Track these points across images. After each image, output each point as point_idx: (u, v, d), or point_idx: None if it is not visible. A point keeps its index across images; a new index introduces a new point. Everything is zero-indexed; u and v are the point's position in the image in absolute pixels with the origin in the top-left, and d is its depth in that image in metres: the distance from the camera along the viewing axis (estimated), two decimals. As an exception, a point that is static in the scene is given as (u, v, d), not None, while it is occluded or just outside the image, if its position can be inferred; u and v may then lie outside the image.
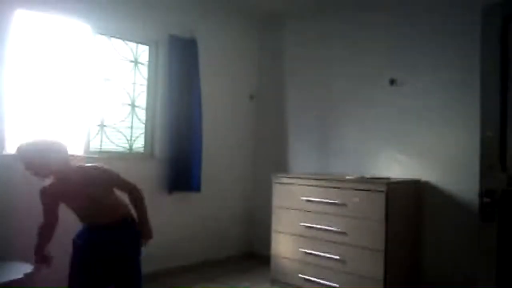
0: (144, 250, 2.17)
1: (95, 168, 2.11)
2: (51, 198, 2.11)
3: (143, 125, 3.65)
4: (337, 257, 2.92)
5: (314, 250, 3.07)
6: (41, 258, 2.14)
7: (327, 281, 2.97)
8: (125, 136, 3.54)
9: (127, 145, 3.56)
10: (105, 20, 3.29)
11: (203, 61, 3.82)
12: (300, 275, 3.14)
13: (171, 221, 3.61)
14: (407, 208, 3.01)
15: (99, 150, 3.35)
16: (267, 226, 3.48)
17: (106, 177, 2.10)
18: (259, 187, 4.22)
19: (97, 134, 3.36)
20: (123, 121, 3.52)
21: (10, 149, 2.85)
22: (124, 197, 2.19)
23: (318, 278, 3.02)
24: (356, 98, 3.57)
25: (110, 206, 2.10)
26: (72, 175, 2.07)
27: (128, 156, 3.55)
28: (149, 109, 3.66)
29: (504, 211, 1.94)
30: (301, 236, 3.17)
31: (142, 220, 2.14)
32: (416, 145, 3.19)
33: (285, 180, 3.37)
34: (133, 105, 3.59)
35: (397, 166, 3.28)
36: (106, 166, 2.14)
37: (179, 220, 3.71)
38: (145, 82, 3.65)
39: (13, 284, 2.20)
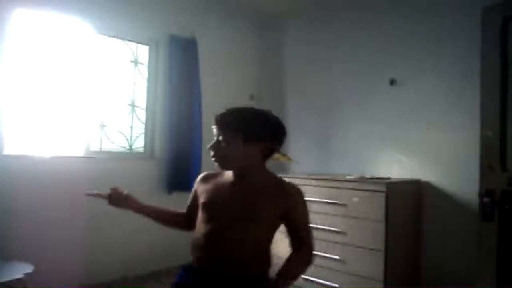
0: None
1: (293, 187, 1.44)
2: (196, 192, 1.53)
3: (143, 125, 3.65)
4: (337, 257, 2.92)
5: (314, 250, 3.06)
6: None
7: (327, 281, 2.97)
8: (125, 136, 3.54)
9: (127, 145, 3.56)
10: (105, 20, 3.29)
11: (203, 61, 3.82)
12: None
13: (171, 221, 3.61)
14: (407, 208, 3.01)
15: (99, 150, 3.35)
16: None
17: (294, 214, 1.41)
18: (259, 187, 4.21)
19: (97, 134, 3.36)
20: (123, 121, 3.52)
21: (10, 149, 2.86)
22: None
23: (318, 278, 3.01)
24: (356, 98, 3.56)
25: (255, 250, 1.39)
26: (256, 179, 1.42)
27: (128, 156, 3.55)
28: (149, 109, 3.66)
29: (504, 211, 1.94)
30: (301, 236, 3.16)
31: (280, 275, 1.35)
32: (416, 145, 3.19)
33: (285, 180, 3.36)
34: (133, 105, 3.59)
35: (397, 166, 3.28)
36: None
37: (179, 220, 3.70)
38: (145, 82, 3.66)
39: (13, 284, 2.20)
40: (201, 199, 1.46)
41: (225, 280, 1.34)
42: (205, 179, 1.53)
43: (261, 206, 1.37)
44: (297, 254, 1.44)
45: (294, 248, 1.46)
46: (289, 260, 1.41)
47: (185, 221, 1.57)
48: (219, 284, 1.34)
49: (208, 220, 1.40)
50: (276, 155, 1.51)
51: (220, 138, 1.39)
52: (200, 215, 1.45)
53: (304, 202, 1.46)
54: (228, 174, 1.47)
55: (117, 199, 1.54)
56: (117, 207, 1.55)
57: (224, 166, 1.43)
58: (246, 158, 1.40)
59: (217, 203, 1.42)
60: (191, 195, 1.58)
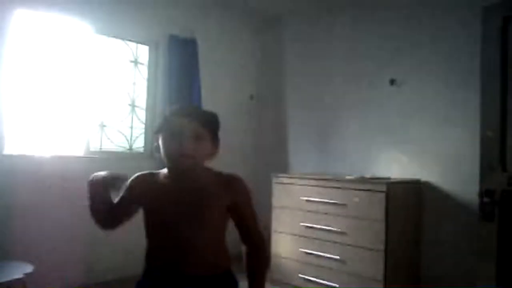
0: None
1: (234, 178, 1.42)
2: (133, 196, 1.44)
3: (143, 125, 3.65)
4: (337, 257, 2.92)
5: (314, 250, 3.07)
6: None
7: (327, 281, 2.97)
8: (125, 136, 3.54)
9: (127, 145, 3.56)
10: (105, 20, 3.29)
11: (203, 61, 3.82)
12: (300, 275, 3.14)
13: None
14: (407, 208, 3.01)
15: (99, 150, 3.35)
16: (267, 226, 3.48)
17: (236, 200, 1.40)
18: (259, 187, 4.19)
19: (97, 134, 3.36)
20: (123, 121, 3.53)
21: (10, 149, 2.86)
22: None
23: (318, 278, 3.02)
24: (356, 98, 3.56)
25: (214, 248, 1.39)
26: (200, 176, 1.38)
27: (128, 156, 3.55)
28: (149, 109, 3.66)
29: (504, 211, 1.94)
30: (301, 236, 3.17)
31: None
32: (416, 145, 3.19)
33: (285, 180, 3.37)
34: (133, 105, 3.59)
35: (397, 166, 3.28)
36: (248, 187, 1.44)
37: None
38: (145, 82, 3.66)
39: (13, 284, 2.20)
40: (145, 204, 1.39)
41: (192, 282, 1.32)
42: (141, 181, 1.43)
43: (209, 202, 1.34)
44: (256, 266, 1.47)
45: (249, 254, 1.46)
46: (253, 278, 1.45)
47: (107, 217, 1.46)
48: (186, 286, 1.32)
49: (160, 224, 1.37)
50: None
51: (195, 135, 1.30)
52: (148, 221, 1.40)
53: (247, 191, 1.43)
54: (164, 174, 1.40)
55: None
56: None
57: (194, 164, 1.33)
58: (207, 156, 1.37)
59: (165, 205, 1.35)
60: (122, 193, 1.45)
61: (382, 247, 2.71)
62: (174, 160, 1.32)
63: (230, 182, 1.40)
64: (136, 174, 1.46)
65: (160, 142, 1.34)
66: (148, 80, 3.67)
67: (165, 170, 1.41)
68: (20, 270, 2.30)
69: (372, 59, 3.47)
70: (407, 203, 3.01)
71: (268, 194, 3.46)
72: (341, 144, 3.66)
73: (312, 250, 3.08)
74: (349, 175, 3.22)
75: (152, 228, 1.40)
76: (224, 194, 1.37)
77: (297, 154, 4.01)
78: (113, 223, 1.47)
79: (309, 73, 3.96)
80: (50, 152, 3.00)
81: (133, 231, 3.60)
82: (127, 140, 3.56)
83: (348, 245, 2.88)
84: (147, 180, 1.42)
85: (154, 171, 1.45)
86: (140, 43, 3.63)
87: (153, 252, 1.41)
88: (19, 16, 2.89)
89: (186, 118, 1.31)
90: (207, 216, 1.34)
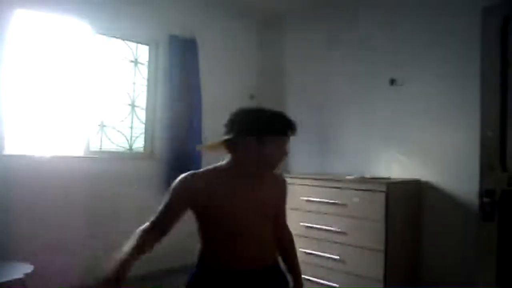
0: None
1: (282, 177, 1.65)
2: (193, 196, 1.40)
3: (143, 125, 3.65)
4: (337, 257, 2.92)
5: (314, 250, 3.06)
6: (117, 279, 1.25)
7: (327, 281, 2.97)
8: (125, 136, 3.54)
9: (127, 145, 3.56)
10: (105, 20, 3.29)
11: (203, 61, 3.82)
12: (300, 275, 3.13)
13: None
14: (407, 208, 3.01)
15: (99, 150, 3.35)
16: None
17: (283, 198, 1.62)
18: (259, 187, 4.21)
19: (97, 134, 3.36)
20: (123, 121, 3.53)
21: (10, 149, 2.86)
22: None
23: (318, 278, 3.01)
24: (356, 98, 3.56)
25: (272, 242, 1.53)
26: (267, 177, 1.54)
27: (128, 156, 3.55)
28: (149, 109, 3.66)
29: (504, 211, 1.94)
30: (301, 236, 3.16)
31: (298, 275, 1.64)
32: (416, 145, 3.19)
33: (285, 180, 3.36)
34: (133, 105, 3.59)
35: (397, 166, 3.28)
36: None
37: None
38: (145, 82, 3.66)
39: (13, 284, 2.20)
40: (217, 202, 1.38)
41: (255, 276, 1.42)
42: (202, 181, 1.41)
43: (273, 201, 1.52)
44: (291, 246, 1.64)
45: (281, 236, 1.59)
46: (290, 257, 1.63)
47: (157, 236, 1.43)
48: (256, 281, 1.43)
49: (240, 220, 1.41)
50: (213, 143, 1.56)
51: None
52: (221, 217, 1.41)
53: (287, 191, 1.64)
54: (228, 173, 1.44)
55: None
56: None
57: None
58: None
59: (239, 202, 1.41)
60: (169, 199, 1.42)
61: (382, 247, 2.71)
62: (276, 164, 1.49)
63: (281, 183, 1.61)
64: (190, 174, 1.43)
65: (256, 145, 1.42)
66: (148, 80, 3.67)
67: (221, 168, 1.46)
68: (20, 270, 2.30)
69: (372, 59, 3.47)
70: (407, 203, 3.01)
71: (268, 194, 3.46)
72: (341, 144, 3.66)
73: (312, 250, 3.08)
74: (349, 175, 3.22)
75: (228, 227, 1.41)
76: (276, 192, 1.56)
77: (297, 154, 4.00)
78: (165, 233, 1.46)
79: (309, 73, 3.96)
80: (50, 152, 3.00)
81: (132, 232, 3.60)
82: (127, 140, 3.56)
83: (348, 245, 2.88)
84: (205, 179, 1.42)
85: (200, 171, 1.48)
86: (140, 43, 3.63)
87: (221, 252, 1.44)
88: (19, 16, 2.89)
89: (293, 131, 1.61)
90: (271, 215, 1.51)
